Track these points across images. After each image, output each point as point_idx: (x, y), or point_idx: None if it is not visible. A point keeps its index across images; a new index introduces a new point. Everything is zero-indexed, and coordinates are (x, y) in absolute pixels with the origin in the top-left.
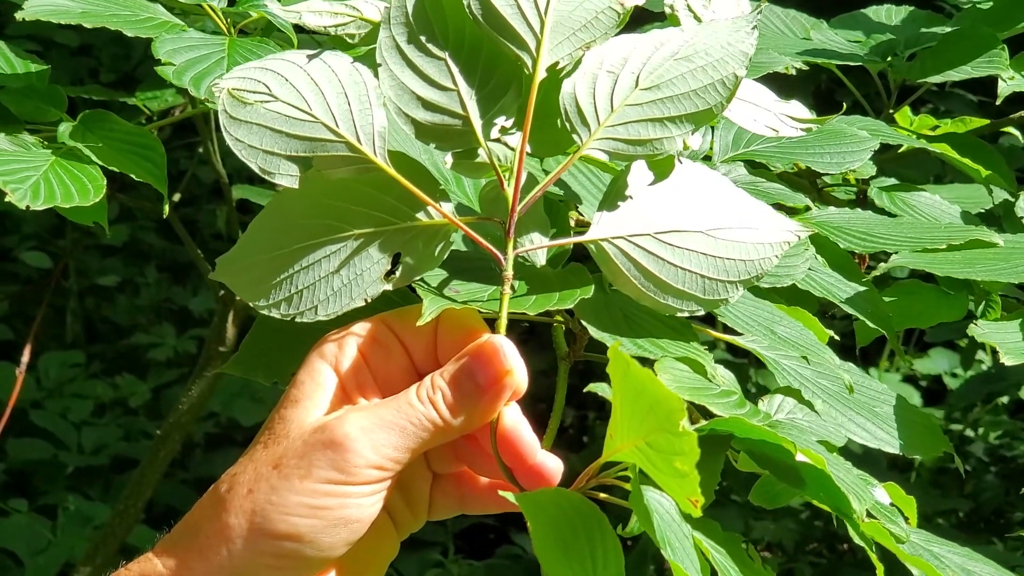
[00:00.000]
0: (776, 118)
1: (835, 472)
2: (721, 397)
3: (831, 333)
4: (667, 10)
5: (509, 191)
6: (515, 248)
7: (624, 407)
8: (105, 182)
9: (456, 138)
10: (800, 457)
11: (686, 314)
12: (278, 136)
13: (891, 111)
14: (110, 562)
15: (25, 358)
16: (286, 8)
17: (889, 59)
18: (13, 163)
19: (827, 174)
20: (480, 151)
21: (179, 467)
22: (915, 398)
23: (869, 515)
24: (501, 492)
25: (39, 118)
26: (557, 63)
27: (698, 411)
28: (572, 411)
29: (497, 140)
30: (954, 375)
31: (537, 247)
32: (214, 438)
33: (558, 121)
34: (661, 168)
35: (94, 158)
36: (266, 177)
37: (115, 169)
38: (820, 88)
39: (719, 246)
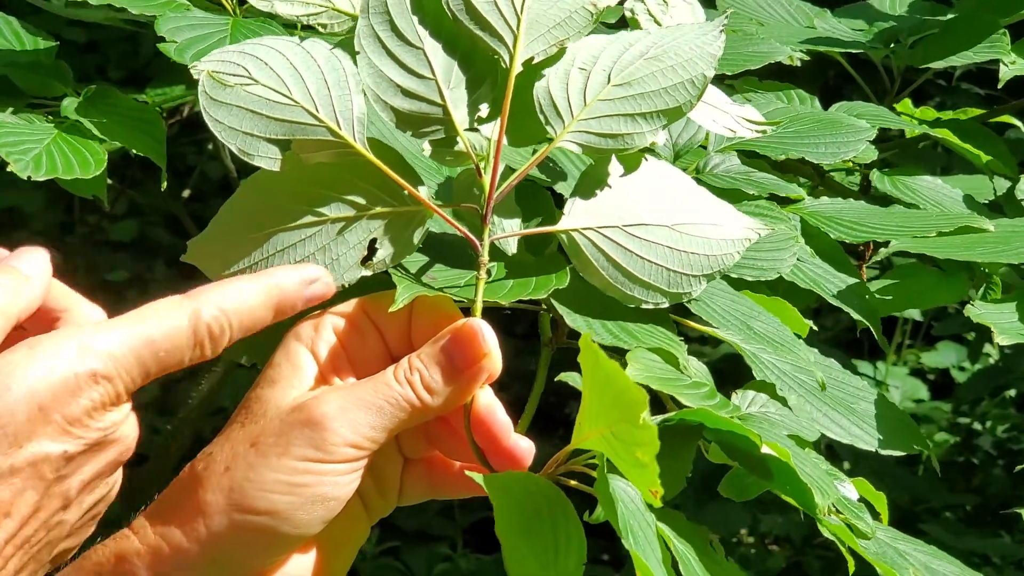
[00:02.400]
0: (733, 120)
1: (800, 465)
2: (691, 388)
3: (810, 324)
4: (627, 14)
5: (486, 179)
6: (490, 235)
7: (592, 396)
8: (106, 156)
9: (434, 126)
10: (765, 449)
11: (651, 305)
12: (258, 118)
13: (894, 101)
14: None
15: None
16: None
17: (892, 46)
18: (16, 135)
19: (816, 166)
20: (458, 140)
21: (189, 462)
22: (922, 392)
23: (835, 511)
24: (467, 472)
25: (45, 92)
26: (532, 58)
27: (671, 400)
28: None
29: (474, 130)
30: (962, 369)
31: (510, 235)
32: None
33: (533, 113)
34: (629, 163)
35: (96, 132)
36: (245, 159)
37: (116, 143)
38: (828, 83)
39: (684, 240)
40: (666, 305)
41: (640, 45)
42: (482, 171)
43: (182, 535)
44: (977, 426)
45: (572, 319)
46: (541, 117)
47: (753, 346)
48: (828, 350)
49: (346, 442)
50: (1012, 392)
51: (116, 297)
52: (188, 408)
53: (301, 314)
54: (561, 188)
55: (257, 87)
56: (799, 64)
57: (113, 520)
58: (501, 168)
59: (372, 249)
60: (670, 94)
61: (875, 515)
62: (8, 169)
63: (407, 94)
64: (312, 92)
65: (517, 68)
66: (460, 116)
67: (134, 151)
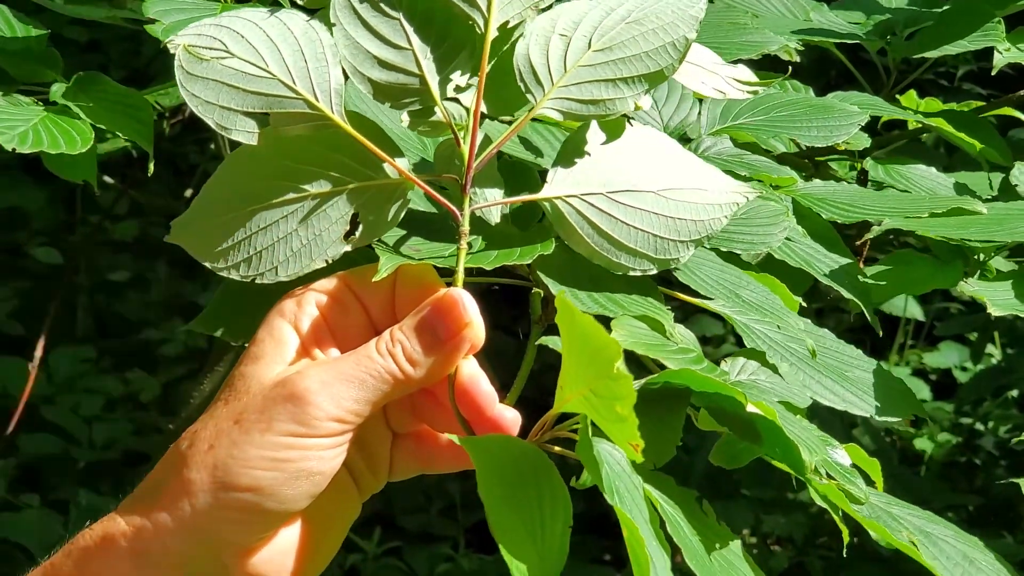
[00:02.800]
0: (723, 81)
1: (787, 426)
2: (677, 353)
3: (799, 300)
4: None
5: (465, 148)
6: (471, 205)
7: (571, 357)
8: (92, 135)
9: (412, 97)
10: (751, 409)
11: (638, 273)
12: (234, 92)
13: (896, 93)
14: None
15: (38, 353)
16: None
17: (888, 38)
18: (5, 115)
19: (814, 148)
20: (436, 110)
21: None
22: (924, 392)
23: (828, 477)
24: (448, 436)
25: (35, 79)
26: (507, 22)
27: (657, 367)
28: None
29: (453, 99)
30: (964, 369)
31: (491, 204)
32: None
33: (513, 81)
34: (612, 129)
35: (83, 116)
36: (222, 133)
37: (103, 127)
38: (829, 82)
39: (670, 206)
40: (654, 272)
41: (621, 9)
42: (461, 141)
43: (167, 515)
44: (979, 426)
45: (556, 288)
46: (521, 85)
47: (742, 315)
48: None
49: (329, 416)
50: (1014, 392)
51: (117, 297)
52: (190, 408)
53: (284, 289)
54: (547, 164)
55: (233, 60)
56: (798, 59)
57: None
58: (480, 138)
59: (354, 224)
60: (652, 58)
61: (869, 482)
62: None
63: (384, 65)
64: (289, 64)
65: (492, 33)
66: (437, 85)
67: (121, 136)
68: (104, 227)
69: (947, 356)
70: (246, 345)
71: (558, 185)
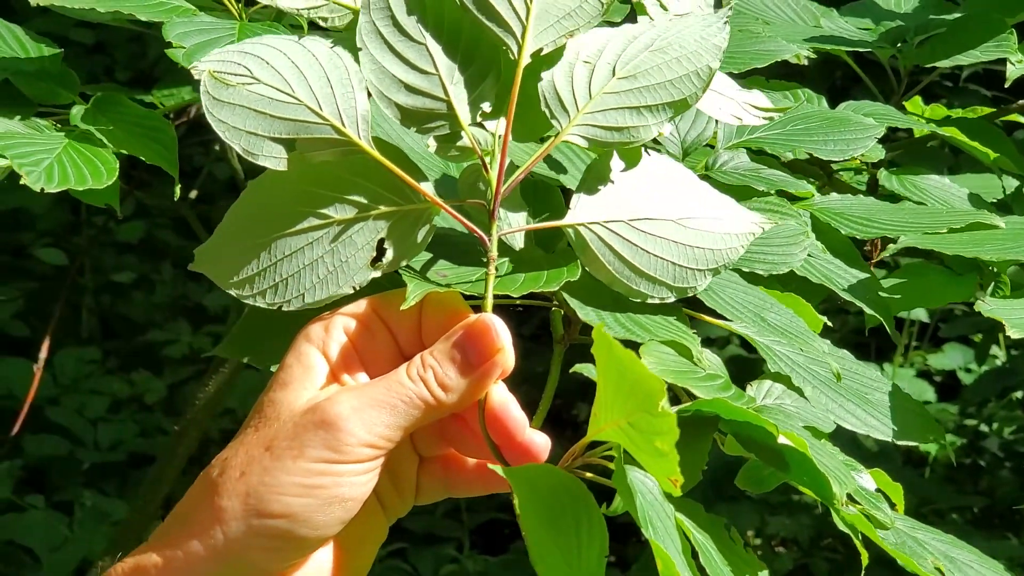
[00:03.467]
0: (740, 107)
1: (817, 456)
2: (706, 380)
3: (824, 320)
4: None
5: (493, 174)
6: (499, 230)
7: (607, 387)
8: (118, 165)
9: (439, 121)
10: (782, 440)
11: (656, 300)
12: (261, 118)
13: (902, 99)
14: None
15: (43, 354)
16: None
17: (899, 45)
18: (27, 146)
19: (831, 161)
20: (462, 134)
21: (196, 463)
22: (929, 393)
23: (852, 500)
24: (490, 466)
25: (52, 100)
26: (540, 49)
27: (685, 394)
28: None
29: (478, 125)
30: (968, 370)
31: (516, 230)
32: (231, 434)
33: (537, 108)
34: (630, 158)
35: (105, 141)
36: (249, 159)
37: (126, 152)
38: (835, 84)
39: (688, 235)
40: (672, 300)
41: (644, 37)
42: (488, 166)
43: (198, 543)
44: (984, 428)
45: (584, 312)
46: (546, 111)
47: (767, 338)
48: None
49: (361, 442)
50: (1019, 394)
51: (122, 298)
52: (195, 409)
53: (311, 315)
54: (568, 183)
55: (259, 86)
56: (807, 63)
57: (123, 520)
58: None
59: (381, 249)
60: (676, 86)
61: (892, 505)
62: (21, 182)
63: (410, 89)
64: (315, 90)
65: (526, 60)
66: (464, 111)
67: (144, 159)
68: (109, 228)
69: (951, 358)
70: (272, 370)
71: (581, 211)
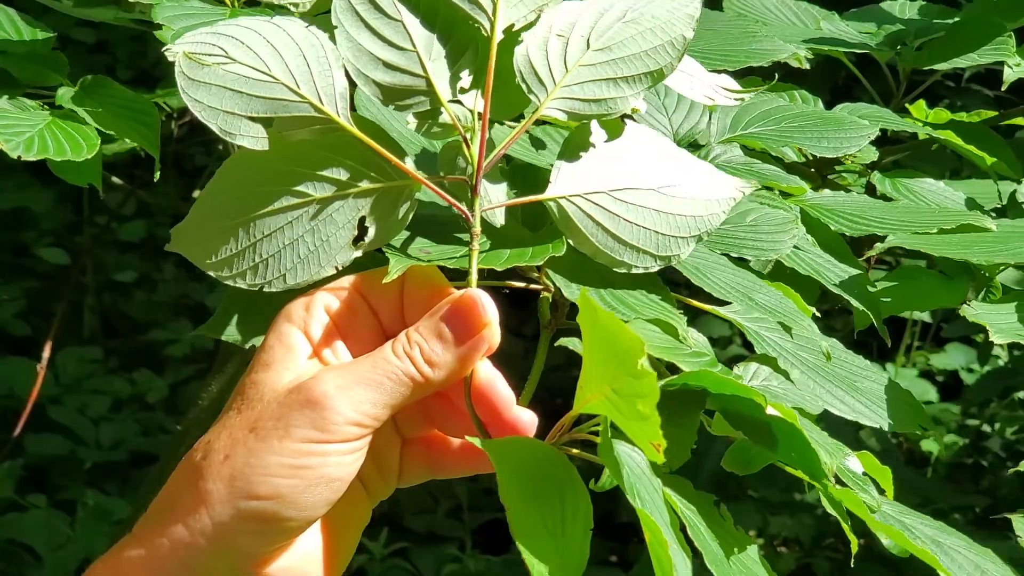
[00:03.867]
0: (711, 88)
1: (805, 429)
2: (692, 356)
3: (813, 310)
4: None
5: (474, 149)
6: (480, 206)
7: (592, 356)
8: (99, 141)
9: (418, 98)
10: (770, 411)
11: (641, 270)
12: (238, 97)
13: (906, 102)
14: None
15: (46, 354)
16: None
17: (898, 48)
18: (10, 120)
19: (824, 157)
20: (442, 111)
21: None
22: (931, 393)
23: (840, 482)
24: (468, 439)
25: (41, 82)
26: (512, 24)
27: (669, 371)
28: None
29: (457, 101)
30: (970, 370)
31: (496, 206)
32: None
33: (512, 83)
34: (610, 129)
35: (90, 120)
36: (227, 138)
37: (110, 132)
38: (837, 84)
39: (671, 203)
40: (655, 269)
41: (616, 9)
42: (469, 142)
43: (183, 528)
44: (986, 428)
45: (569, 290)
46: (523, 86)
47: (755, 322)
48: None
49: (348, 420)
50: (1021, 394)
51: (124, 297)
52: (198, 408)
53: (294, 293)
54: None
55: (235, 65)
56: (807, 66)
57: (125, 520)
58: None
59: (362, 228)
60: (651, 56)
61: (880, 491)
62: None
63: (388, 67)
64: (292, 68)
65: (498, 35)
66: (443, 87)
67: (127, 140)
68: (111, 228)
69: (954, 357)
70: (255, 347)
71: (561, 185)
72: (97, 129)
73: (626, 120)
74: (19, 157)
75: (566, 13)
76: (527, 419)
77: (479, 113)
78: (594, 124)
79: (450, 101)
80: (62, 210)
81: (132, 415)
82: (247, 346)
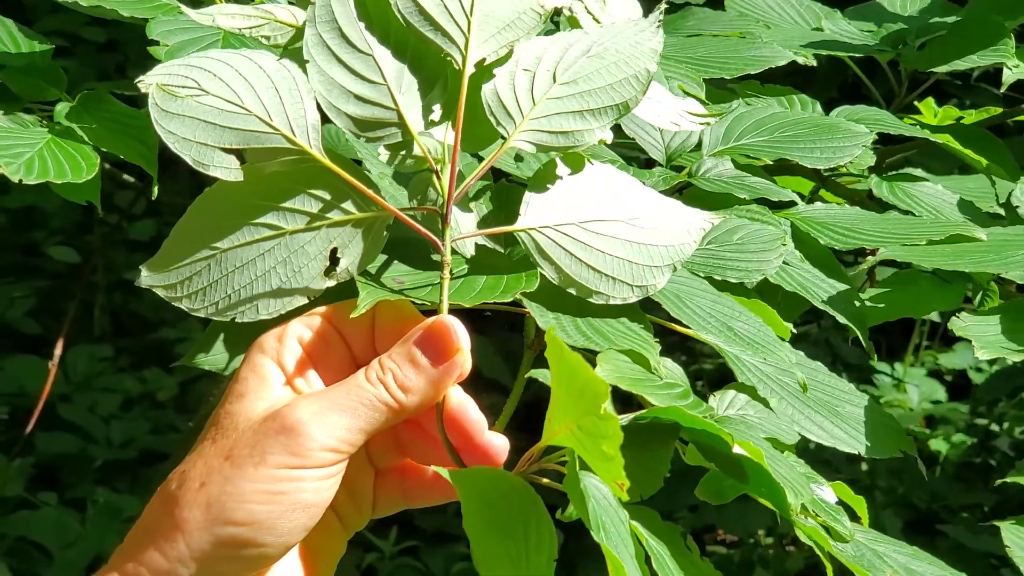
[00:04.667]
0: (677, 114)
1: (773, 466)
2: (663, 388)
3: (790, 327)
4: (566, 12)
5: (445, 181)
6: (452, 236)
7: (560, 391)
8: (98, 160)
9: (389, 130)
10: (737, 449)
11: (619, 301)
12: (211, 128)
13: (911, 101)
14: None
15: (58, 352)
16: (200, 12)
17: (899, 48)
18: (9, 139)
19: (815, 168)
20: (414, 143)
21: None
22: (940, 393)
23: (809, 512)
24: (435, 468)
25: (39, 96)
26: (484, 59)
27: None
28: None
29: (428, 134)
30: (979, 370)
31: (467, 236)
32: None
33: (482, 117)
34: (574, 164)
35: (87, 139)
36: (200, 170)
37: (107, 150)
38: (847, 82)
39: (640, 233)
40: (633, 300)
41: (580, 44)
42: (440, 173)
43: (161, 556)
44: (995, 427)
45: (544, 320)
46: (492, 119)
47: (734, 348)
48: (846, 349)
49: (322, 446)
50: None
51: (134, 296)
52: (208, 406)
53: (268, 324)
54: None
55: (208, 97)
56: (814, 63)
57: (135, 517)
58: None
59: (334, 259)
60: (616, 90)
61: (855, 518)
62: (0, 172)
63: (360, 99)
64: (264, 101)
65: (470, 69)
66: (414, 119)
67: (123, 157)
68: (121, 226)
69: (962, 357)
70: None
71: (532, 216)
72: (96, 149)
73: (591, 159)
74: (20, 181)
75: (532, 48)
76: (499, 444)
77: (450, 145)
78: (559, 159)
79: (421, 133)
80: (72, 209)
81: (142, 413)
82: (226, 374)
